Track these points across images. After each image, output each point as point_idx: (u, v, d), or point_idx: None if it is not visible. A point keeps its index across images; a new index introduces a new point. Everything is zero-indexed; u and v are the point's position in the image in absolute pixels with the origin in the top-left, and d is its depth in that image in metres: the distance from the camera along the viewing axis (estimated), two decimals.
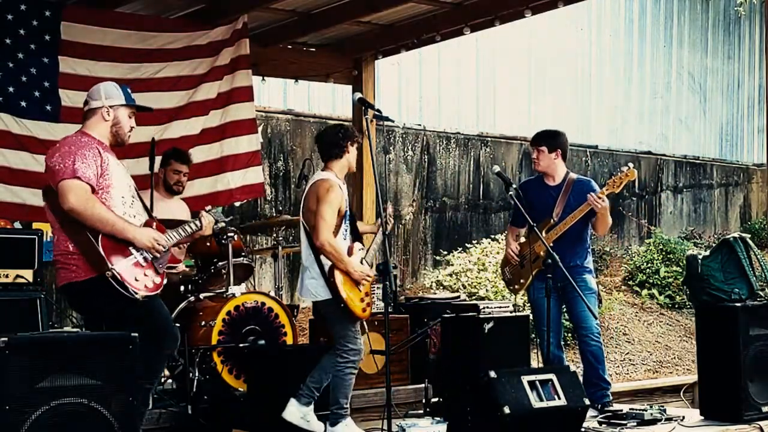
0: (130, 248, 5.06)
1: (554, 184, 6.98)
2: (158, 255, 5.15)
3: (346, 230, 5.97)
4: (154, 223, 5.28)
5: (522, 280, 6.97)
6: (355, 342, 5.92)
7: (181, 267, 7.20)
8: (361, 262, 5.99)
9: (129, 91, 5.38)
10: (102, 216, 4.94)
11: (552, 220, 6.84)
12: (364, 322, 6.31)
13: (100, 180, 5.03)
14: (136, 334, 4.70)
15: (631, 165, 6.93)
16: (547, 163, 6.98)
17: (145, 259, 5.10)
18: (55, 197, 5.00)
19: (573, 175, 7.05)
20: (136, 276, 5.03)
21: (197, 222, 5.52)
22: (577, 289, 6.45)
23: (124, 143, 5.35)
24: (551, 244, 6.63)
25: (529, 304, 7.21)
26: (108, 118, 5.22)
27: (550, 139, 7.00)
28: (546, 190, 6.98)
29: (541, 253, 6.65)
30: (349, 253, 5.93)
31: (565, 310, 7.02)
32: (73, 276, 5.04)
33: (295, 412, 5.93)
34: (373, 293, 7.53)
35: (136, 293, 4.99)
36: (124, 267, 5.00)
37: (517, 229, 7.20)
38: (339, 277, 5.81)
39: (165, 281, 5.30)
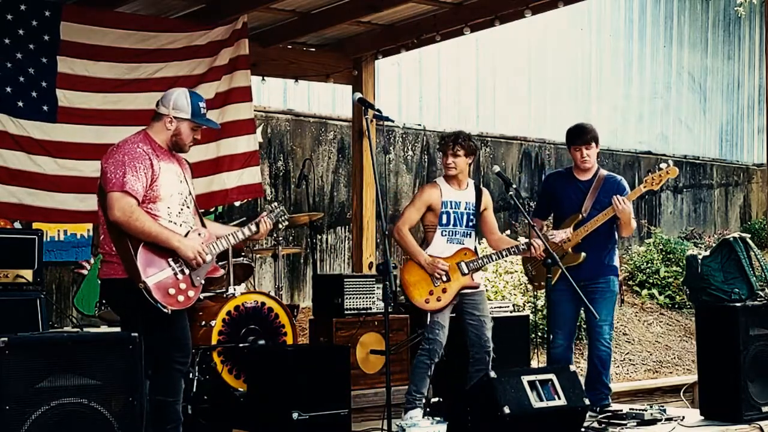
0: (170, 260, 5.09)
1: (585, 179, 6.83)
2: (197, 267, 5.16)
3: (448, 232, 6.39)
4: (203, 232, 5.27)
5: (549, 276, 6.84)
6: (431, 331, 6.25)
7: None
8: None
9: (201, 105, 5.35)
10: (145, 228, 5.01)
11: (581, 216, 6.74)
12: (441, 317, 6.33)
13: (147, 191, 5.10)
14: (137, 334, 4.70)
15: (671, 162, 6.77)
16: (594, 159, 6.85)
17: (182, 271, 5.11)
18: (105, 200, 5.09)
19: (603, 172, 6.92)
20: (169, 290, 5.05)
21: (251, 227, 5.45)
22: (586, 302, 6.39)
23: (184, 152, 5.38)
24: (579, 242, 6.60)
25: (545, 303, 7.10)
26: (170, 128, 5.26)
27: (595, 133, 6.82)
28: (575, 184, 6.84)
29: (570, 250, 6.57)
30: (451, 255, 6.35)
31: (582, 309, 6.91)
32: (112, 272, 5.13)
33: None
34: (374, 293, 7.58)
35: (165, 308, 5.02)
36: (157, 280, 5.03)
37: (541, 222, 7.04)
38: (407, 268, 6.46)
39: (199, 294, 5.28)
